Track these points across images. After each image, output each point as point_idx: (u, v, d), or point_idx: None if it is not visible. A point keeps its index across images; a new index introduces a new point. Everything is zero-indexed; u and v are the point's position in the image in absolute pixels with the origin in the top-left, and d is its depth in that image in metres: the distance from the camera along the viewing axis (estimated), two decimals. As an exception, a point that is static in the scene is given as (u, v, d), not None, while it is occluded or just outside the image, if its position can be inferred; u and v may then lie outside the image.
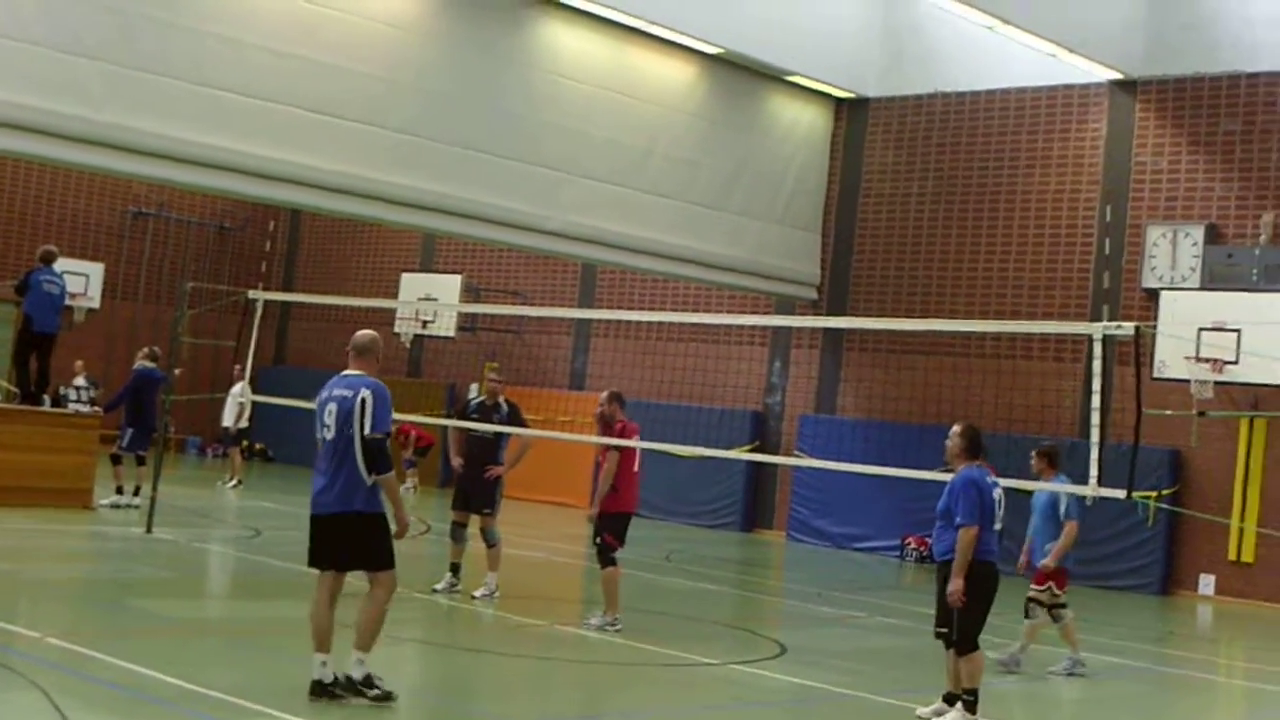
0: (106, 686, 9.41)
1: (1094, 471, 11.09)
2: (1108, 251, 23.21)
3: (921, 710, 10.74)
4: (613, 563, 13.60)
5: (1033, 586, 13.50)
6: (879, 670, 13.08)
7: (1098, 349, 11.39)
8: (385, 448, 9.15)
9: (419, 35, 20.50)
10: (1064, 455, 14.03)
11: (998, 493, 10.60)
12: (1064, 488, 13.08)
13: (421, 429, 26.75)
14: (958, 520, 10.35)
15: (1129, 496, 11.16)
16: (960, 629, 10.39)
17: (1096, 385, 11.26)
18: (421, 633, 13.27)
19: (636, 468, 13.80)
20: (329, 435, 9.16)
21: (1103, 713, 12.41)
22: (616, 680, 11.84)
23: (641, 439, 14.14)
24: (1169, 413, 18.59)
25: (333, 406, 9.18)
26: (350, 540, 9.18)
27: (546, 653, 12.66)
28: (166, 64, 17.84)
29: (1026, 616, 13.52)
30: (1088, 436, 22.27)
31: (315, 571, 9.38)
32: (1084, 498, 11.83)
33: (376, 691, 9.12)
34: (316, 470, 9.31)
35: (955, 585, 10.37)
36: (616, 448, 13.59)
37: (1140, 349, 11.27)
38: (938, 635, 10.59)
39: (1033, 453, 13.58)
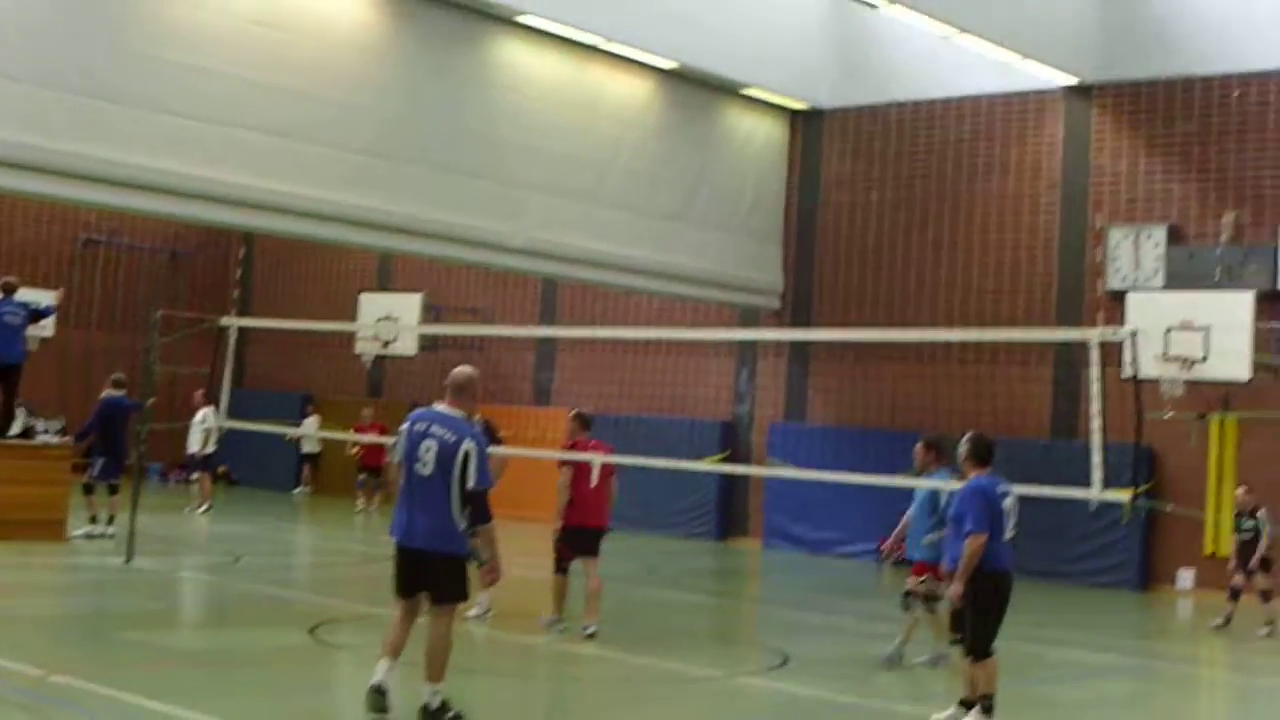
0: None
1: (1096, 475, 11.12)
2: (1079, 254, 23.40)
3: (937, 716, 10.77)
4: (563, 571, 14.24)
5: (910, 578, 13.41)
6: (886, 679, 13.10)
7: (1095, 355, 11.44)
8: (487, 501, 9.42)
9: (377, 57, 20.40)
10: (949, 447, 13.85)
11: (1009, 501, 10.60)
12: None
13: (369, 448, 27.04)
14: (967, 528, 10.36)
15: (1135, 498, 11.20)
16: (974, 636, 10.43)
17: (1095, 390, 11.30)
18: (417, 656, 13.16)
19: (595, 483, 14.08)
20: (424, 472, 9.34)
21: (1111, 712, 12.47)
22: (624, 697, 11.80)
23: (613, 453, 14.69)
24: (1168, 415, 18.71)
25: (432, 444, 9.34)
26: (431, 575, 9.47)
27: (551, 672, 12.63)
28: (119, 89, 17.63)
29: (905, 610, 13.36)
30: (1060, 437, 22.68)
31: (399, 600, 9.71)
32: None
33: (452, 713, 9.45)
34: (407, 501, 9.46)
35: (955, 590, 10.41)
36: (566, 463, 14.18)
37: (1134, 354, 11.32)
38: (953, 643, 10.60)
39: (917, 445, 13.50)
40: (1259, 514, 17.47)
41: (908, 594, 13.32)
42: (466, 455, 9.28)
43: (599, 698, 11.80)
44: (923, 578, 13.23)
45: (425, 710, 9.39)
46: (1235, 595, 17.61)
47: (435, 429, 9.39)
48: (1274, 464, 21.02)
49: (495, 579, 9.81)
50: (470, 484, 9.29)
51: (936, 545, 13.00)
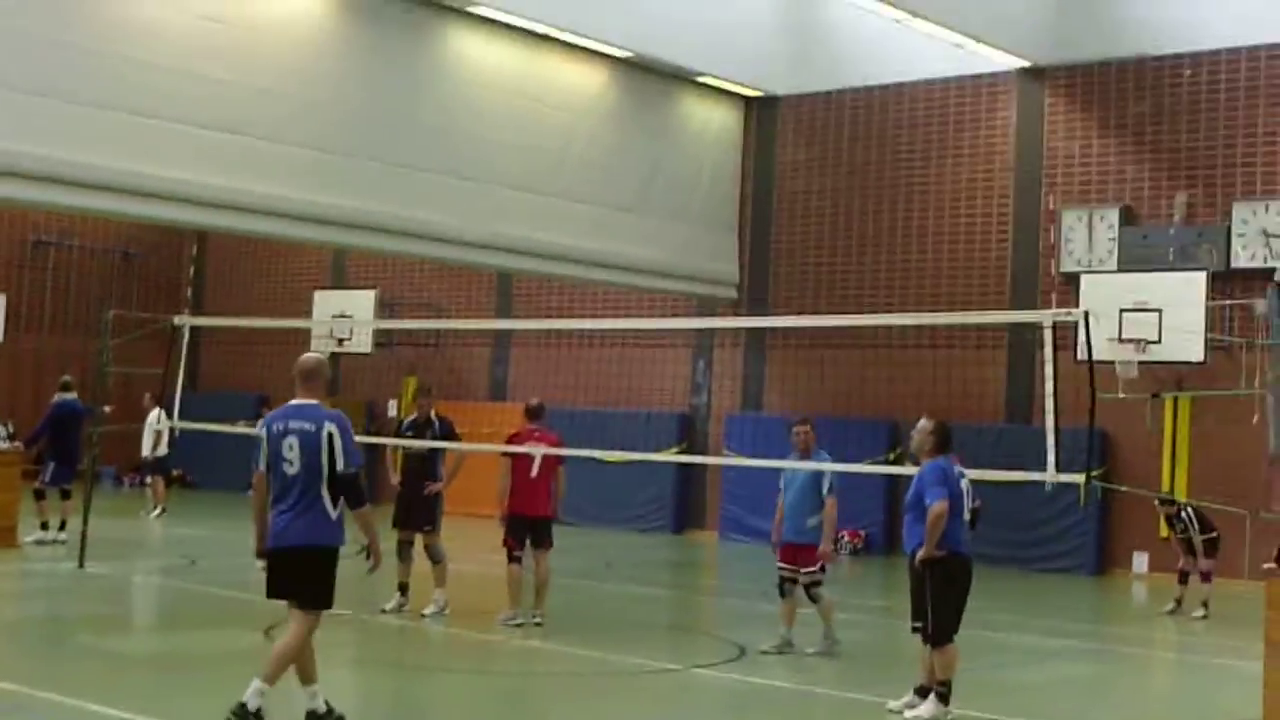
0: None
1: (1050, 458, 11.09)
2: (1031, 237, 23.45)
3: (893, 704, 10.75)
4: (516, 561, 14.22)
5: (785, 565, 13.11)
6: (841, 666, 13.06)
7: (1049, 336, 11.41)
8: (360, 482, 8.99)
9: (328, 52, 20.27)
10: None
11: (965, 483, 10.62)
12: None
13: None
14: (928, 499, 10.30)
15: (1088, 481, 11.18)
16: (935, 621, 10.39)
17: (1049, 372, 11.27)
18: (374, 653, 13.13)
19: (535, 473, 14.20)
20: (291, 470, 8.91)
21: (1069, 696, 12.47)
22: (586, 692, 11.73)
23: (568, 446, 14.86)
24: (1122, 396, 18.75)
25: (293, 440, 8.92)
26: (305, 573, 8.96)
27: (508, 668, 12.56)
28: (65, 87, 17.44)
29: (813, 601, 13.15)
30: (1015, 422, 22.71)
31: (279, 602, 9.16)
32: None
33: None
34: (278, 505, 8.99)
35: (926, 551, 10.31)
36: (505, 454, 14.35)
37: (1089, 335, 11.29)
38: (915, 630, 10.55)
39: (795, 429, 13.30)
40: (1184, 514, 17.77)
41: (806, 586, 13.08)
42: (330, 438, 8.87)
43: (556, 692, 11.74)
44: (811, 568, 13.00)
45: (240, 708, 8.64)
46: (1184, 579, 17.82)
47: (294, 424, 8.97)
48: (1226, 443, 21.14)
49: (376, 565, 9.21)
50: (340, 466, 8.87)
51: (819, 528, 12.98)
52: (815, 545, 13.05)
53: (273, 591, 9.13)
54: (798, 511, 13.09)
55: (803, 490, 13.09)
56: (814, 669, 12.71)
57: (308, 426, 8.93)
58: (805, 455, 13.20)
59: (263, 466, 9.03)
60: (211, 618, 14.80)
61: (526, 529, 14.22)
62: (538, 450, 14.19)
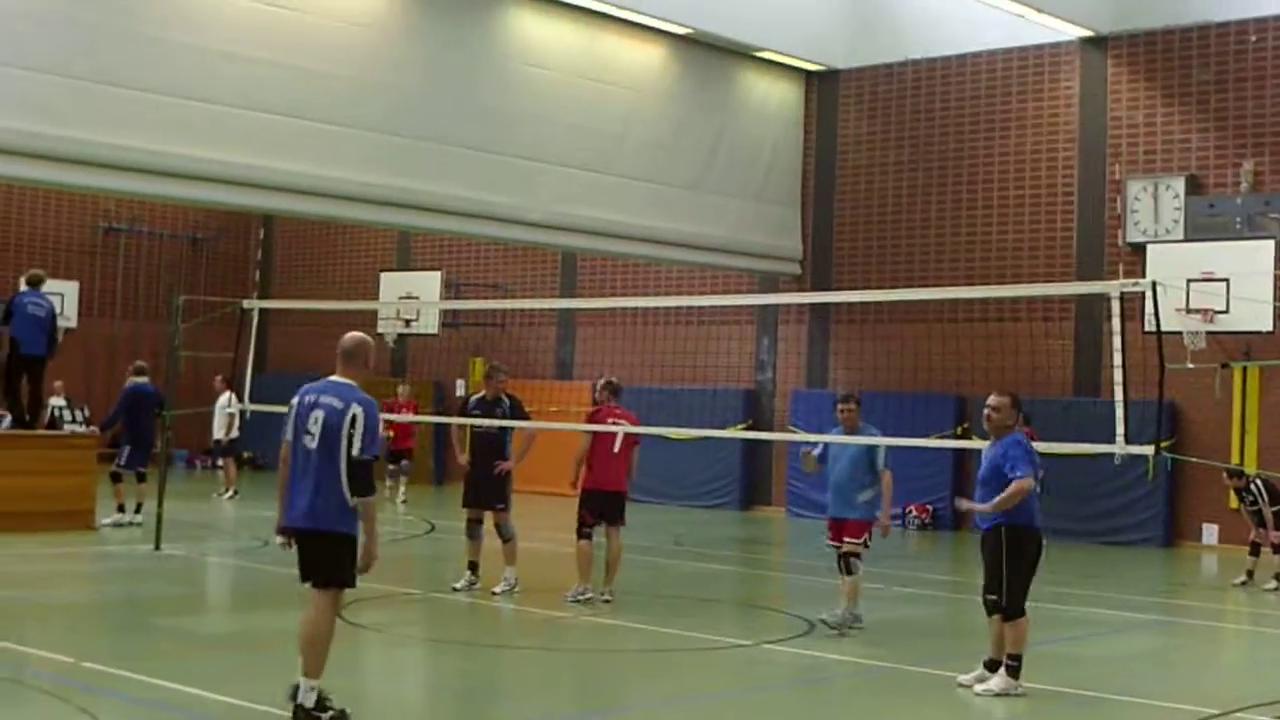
0: (159, 708, 9.34)
1: (1120, 430, 11.07)
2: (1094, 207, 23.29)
3: (964, 677, 10.76)
4: (586, 537, 14.30)
5: (848, 540, 13.00)
6: (910, 641, 13.10)
7: (1116, 307, 11.37)
8: (372, 471, 8.77)
9: (386, 33, 20.41)
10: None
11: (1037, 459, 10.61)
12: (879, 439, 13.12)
13: (402, 429, 25.48)
14: (1017, 473, 10.30)
15: (1157, 453, 11.15)
16: (1010, 594, 10.39)
17: (1118, 344, 11.23)
18: (445, 632, 13.27)
19: (617, 449, 14.33)
20: (310, 444, 8.70)
21: (1140, 669, 12.44)
22: (655, 667, 11.82)
23: (637, 422, 14.85)
24: (1190, 366, 18.63)
25: (319, 414, 8.70)
26: (321, 557, 8.79)
27: (578, 645, 12.67)
28: (131, 75, 17.71)
29: (848, 573, 13.00)
30: (1084, 394, 22.59)
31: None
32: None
33: (331, 713, 8.68)
34: (295, 479, 8.78)
35: (997, 506, 10.32)
36: (587, 431, 14.42)
37: (1156, 306, 11.25)
38: (987, 601, 10.53)
39: (839, 405, 13.14)
40: (1253, 486, 17.64)
41: (845, 555, 13.02)
42: (354, 419, 8.60)
43: (626, 668, 11.83)
44: (862, 537, 12.96)
45: (300, 710, 8.59)
46: (1256, 550, 17.73)
47: (324, 399, 8.72)
48: (1297, 413, 20.98)
49: (368, 564, 8.80)
50: (355, 450, 8.59)
51: (873, 502, 12.97)
52: (862, 520, 13.01)
53: (303, 574, 8.92)
54: (846, 487, 13.08)
55: (852, 465, 13.05)
56: (882, 643, 12.74)
57: (336, 404, 8.70)
58: (851, 432, 13.16)
59: (290, 437, 8.81)
60: (284, 598, 14.93)
61: (603, 504, 14.32)
62: (621, 428, 14.30)
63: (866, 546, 13.12)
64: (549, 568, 16.61)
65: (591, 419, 14.57)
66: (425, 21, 20.85)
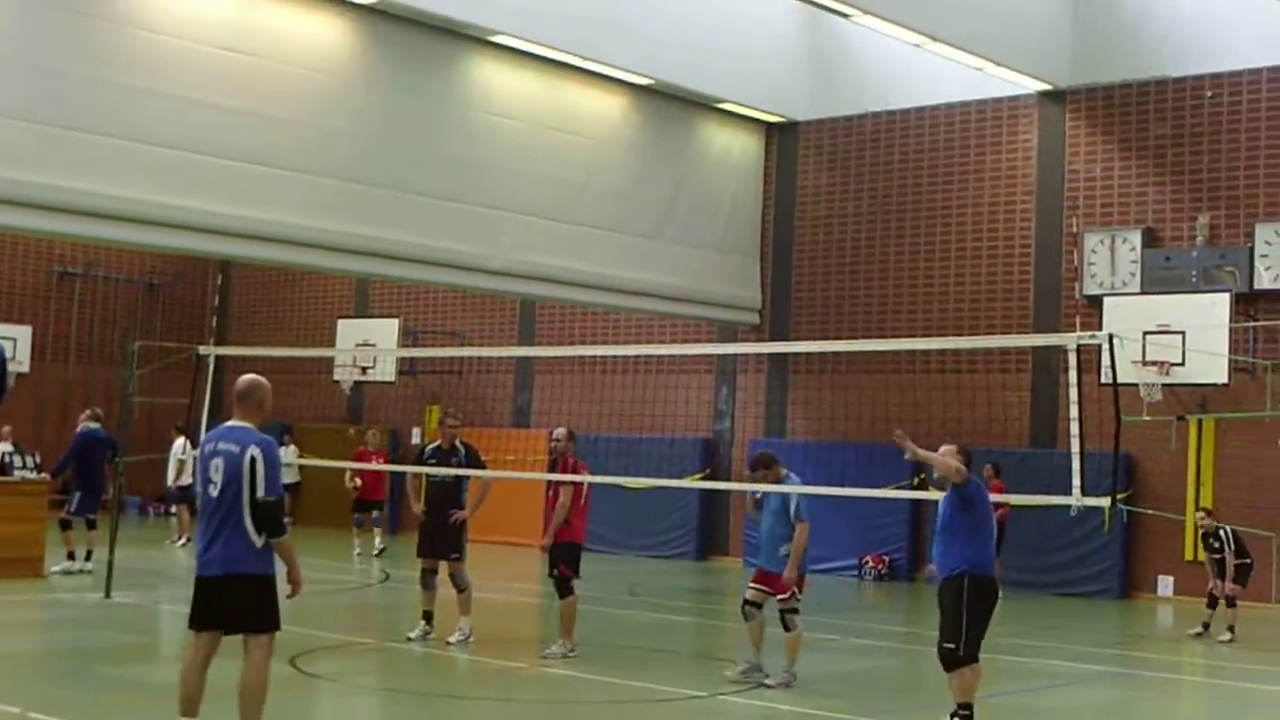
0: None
1: (1076, 481, 11.08)
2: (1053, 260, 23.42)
3: (923, 730, 10.70)
4: (570, 592, 13.97)
5: (759, 588, 12.85)
6: (865, 693, 13.05)
7: (1073, 359, 11.41)
8: (281, 511, 8.81)
9: (347, 80, 20.37)
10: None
11: (987, 508, 10.62)
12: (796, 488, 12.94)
13: (371, 479, 24.34)
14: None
15: (1113, 504, 11.16)
16: (967, 643, 10.34)
17: (1074, 395, 11.26)
18: (399, 682, 13.14)
19: (583, 501, 14.19)
20: (213, 492, 8.72)
21: (1091, 721, 12.45)
22: (613, 717, 11.71)
23: (593, 472, 14.65)
24: (1146, 418, 18.72)
25: (219, 462, 8.71)
26: (237, 603, 8.76)
27: (533, 696, 12.55)
28: (95, 120, 17.60)
29: (785, 629, 12.81)
30: (1041, 445, 22.66)
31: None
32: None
33: None
34: (204, 527, 8.82)
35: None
36: (573, 483, 13.97)
37: (1113, 358, 11.29)
38: (943, 651, 10.43)
39: (760, 460, 13.05)
40: (1221, 533, 17.69)
41: (781, 613, 12.82)
42: (253, 462, 8.59)
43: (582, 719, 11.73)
44: (789, 593, 12.72)
45: None
46: (1213, 603, 17.75)
47: (222, 445, 8.74)
48: (1252, 465, 21.13)
49: (296, 592, 8.91)
50: (259, 494, 8.61)
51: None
52: (778, 572, 12.79)
53: (195, 622, 8.91)
54: (772, 538, 12.92)
55: (774, 518, 12.90)
56: (838, 694, 12.68)
57: (233, 448, 8.69)
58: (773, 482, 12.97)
59: (199, 487, 8.90)
60: (236, 647, 14.78)
61: (579, 556, 14.19)
62: (590, 478, 14.23)
63: (796, 599, 12.83)
64: (504, 618, 16.50)
65: (569, 470, 14.17)
66: (387, 69, 20.84)
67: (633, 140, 24.23)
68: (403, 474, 18.01)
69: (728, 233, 26.08)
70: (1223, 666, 16.14)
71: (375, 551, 24.11)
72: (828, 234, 26.20)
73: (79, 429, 20.69)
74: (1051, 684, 14.14)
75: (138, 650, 14.62)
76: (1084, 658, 15.92)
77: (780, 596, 12.81)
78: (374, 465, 23.50)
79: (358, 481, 24.32)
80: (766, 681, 12.77)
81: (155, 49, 18.35)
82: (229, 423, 8.94)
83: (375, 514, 24.84)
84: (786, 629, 12.85)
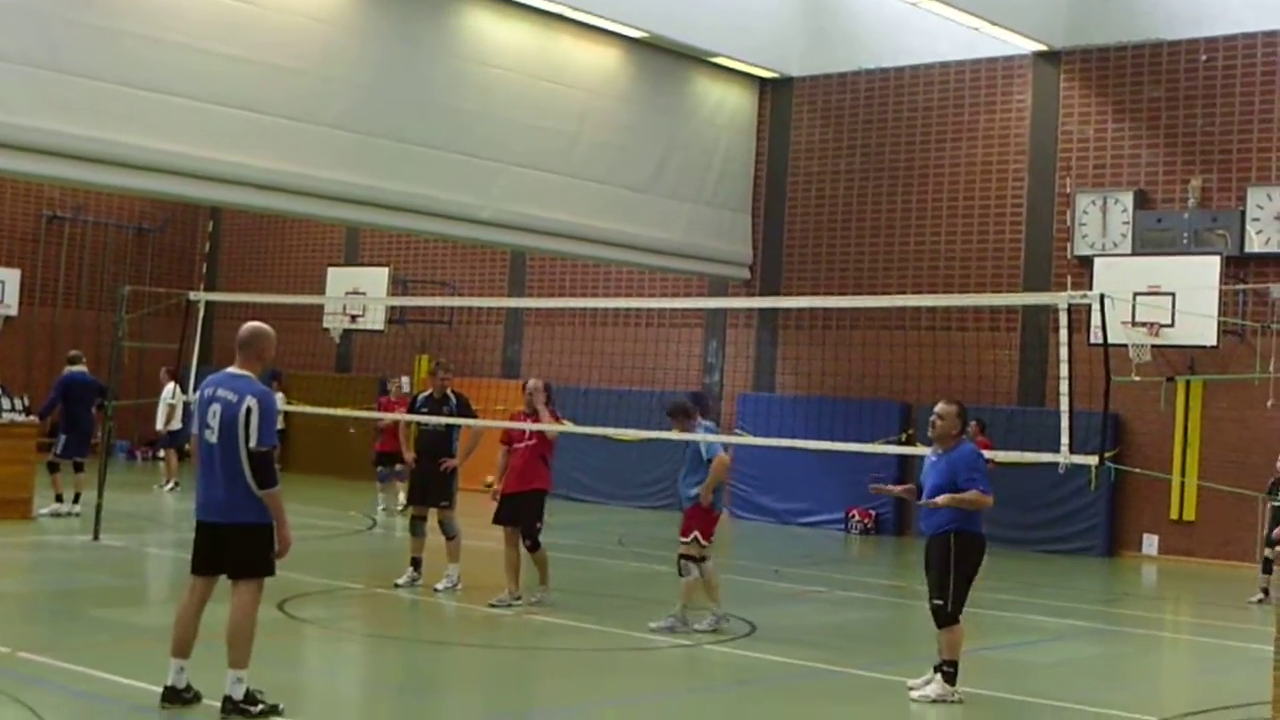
0: (95, 700, 9.27)
1: (1065, 439, 11.12)
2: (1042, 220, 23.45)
3: (913, 681, 10.76)
4: (540, 546, 14.14)
5: (681, 540, 12.99)
6: (856, 645, 13.14)
7: (1064, 319, 11.43)
8: (272, 462, 8.81)
9: (344, 29, 20.25)
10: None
11: (979, 465, 10.67)
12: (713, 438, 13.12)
13: (391, 430, 21.87)
14: (977, 489, 10.36)
15: (1101, 463, 11.22)
16: (954, 600, 10.41)
17: (1064, 354, 11.29)
18: (386, 627, 13.22)
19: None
20: (212, 439, 8.77)
21: (1080, 676, 12.51)
22: (595, 666, 11.81)
23: (581, 424, 15.14)
24: (1135, 379, 18.77)
25: (217, 408, 8.78)
26: (236, 550, 8.85)
27: (520, 642, 12.62)
28: (88, 66, 17.47)
29: (681, 575, 12.95)
30: (1030, 403, 22.73)
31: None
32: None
33: (261, 707, 8.78)
34: (201, 472, 8.88)
35: (949, 499, 10.37)
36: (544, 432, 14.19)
37: (1104, 318, 11.32)
38: (934, 608, 10.51)
39: (675, 414, 13.23)
40: None
41: (682, 558, 12.94)
42: (248, 412, 8.66)
43: (566, 666, 11.80)
44: (690, 536, 12.84)
45: (228, 701, 8.73)
46: (1268, 568, 16.94)
47: (220, 392, 8.81)
48: (1239, 427, 21.21)
49: (284, 550, 8.91)
50: (253, 443, 8.66)
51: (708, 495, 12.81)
52: (691, 509, 12.92)
53: (197, 567, 9.02)
54: (682, 483, 13.15)
55: (690, 462, 13.08)
56: (822, 645, 12.78)
57: (231, 397, 8.76)
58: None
59: (195, 430, 8.94)
60: (224, 591, 14.86)
61: None
62: (578, 429, 14.47)
63: (700, 545, 12.88)
64: (492, 565, 16.52)
65: (554, 420, 14.41)
66: (381, 18, 20.74)
67: (626, 93, 24.14)
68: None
69: (719, 187, 26.04)
70: (1207, 625, 16.27)
71: (400, 507, 21.89)
72: (819, 190, 26.17)
73: (63, 372, 20.70)
74: (1036, 639, 14.25)
75: (127, 593, 14.68)
76: (1070, 614, 16.03)
77: (682, 539, 12.90)
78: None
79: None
80: (699, 628, 12.86)
81: (148, -6, 18.25)
82: (229, 369, 8.98)
83: (399, 466, 22.17)
84: (680, 573, 12.95)
